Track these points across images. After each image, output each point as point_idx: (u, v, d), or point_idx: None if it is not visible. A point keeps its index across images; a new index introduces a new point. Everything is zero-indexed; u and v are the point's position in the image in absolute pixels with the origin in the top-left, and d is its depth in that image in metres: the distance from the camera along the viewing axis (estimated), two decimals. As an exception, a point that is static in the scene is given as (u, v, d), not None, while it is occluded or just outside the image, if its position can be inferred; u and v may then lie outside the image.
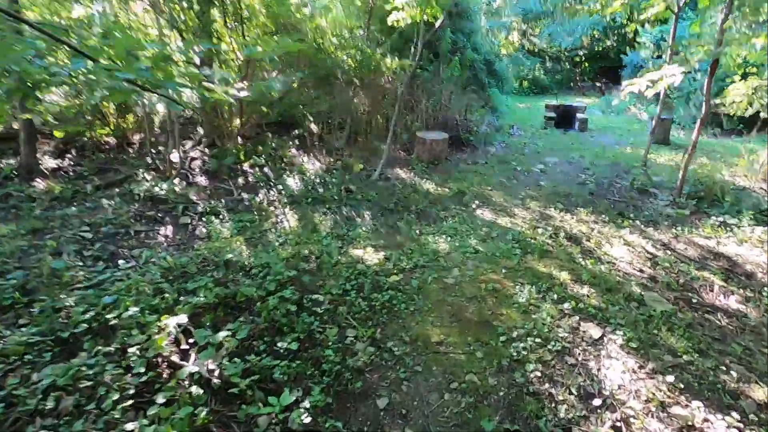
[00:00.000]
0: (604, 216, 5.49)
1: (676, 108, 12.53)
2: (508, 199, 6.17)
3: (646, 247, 4.71)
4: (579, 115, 11.63)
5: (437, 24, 6.84)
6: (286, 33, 7.13)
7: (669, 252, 4.62)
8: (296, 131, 7.97)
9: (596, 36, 20.18)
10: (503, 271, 4.12)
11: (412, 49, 7.65)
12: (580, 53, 21.20)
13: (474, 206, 5.81)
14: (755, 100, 7.08)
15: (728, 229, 5.15)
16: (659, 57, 13.31)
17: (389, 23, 6.63)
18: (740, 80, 7.31)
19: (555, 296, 3.68)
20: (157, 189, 5.52)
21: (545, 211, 5.71)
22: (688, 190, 6.16)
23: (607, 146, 9.64)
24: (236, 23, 6.97)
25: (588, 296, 3.72)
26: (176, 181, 5.95)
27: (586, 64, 21.32)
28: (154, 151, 6.63)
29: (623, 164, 8.09)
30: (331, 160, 7.41)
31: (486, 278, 3.97)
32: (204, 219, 5.09)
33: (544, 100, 17.37)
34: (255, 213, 5.36)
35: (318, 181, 6.45)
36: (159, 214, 5.11)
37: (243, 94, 2.19)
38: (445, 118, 8.77)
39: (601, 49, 20.75)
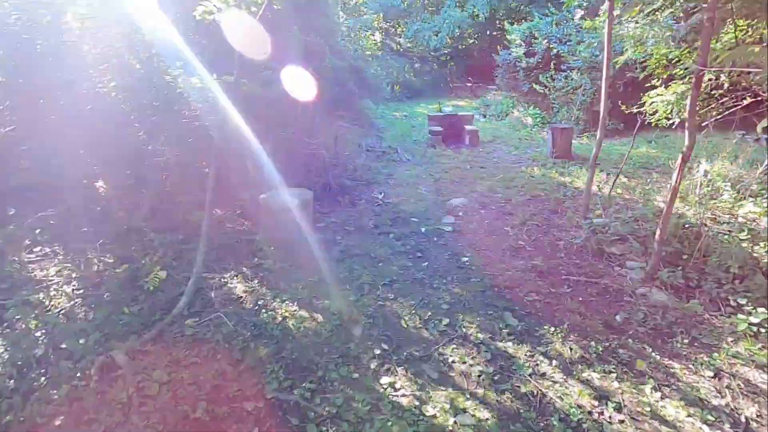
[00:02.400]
0: (593, 347, 3.23)
1: (557, 110, 11.72)
2: (424, 333, 3.58)
3: None
4: (468, 127, 9.86)
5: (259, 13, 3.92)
6: None
7: None
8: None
9: (460, 34, 19.37)
10: None
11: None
12: (446, 52, 20.27)
13: (375, 366, 3.05)
14: (683, 109, 5.73)
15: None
16: (533, 55, 12.40)
17: (196, 17, 3.56)
18: (660, 85, 5.94)
19: None
20: None
21: (494, 360, 3.26)
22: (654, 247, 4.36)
23: (511, 167, 7.89)
24: None
25: None
26: None
27: (452, 64, 20.51)
28: None
29: (543, 196, 6.27)
30: (108, 262, 3.98)
31: None
32: None
33: (420, 105, 15.68)
34: None
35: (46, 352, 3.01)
36: None
37: None
38: (307, 159, 5.89)
39: (464, 47, 20.08)
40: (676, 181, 3.80)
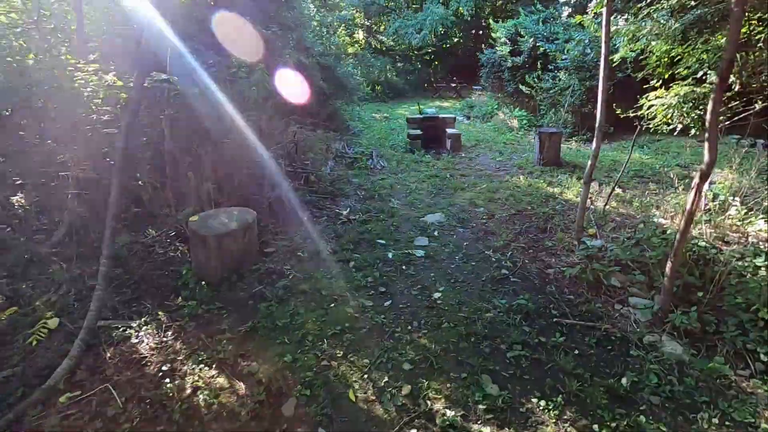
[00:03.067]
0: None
1: (545, 112, 11.07)
2: (377, 410, 2.79)
3: None
4: (449, 130, 9.12)
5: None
6: None
7: None
8: None
9: (443, 32, 18.67)
10: None
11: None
12: (430, 51, 19.55)
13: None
14: (685, 114, 5.06)
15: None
16: (518, 54, 11.73)
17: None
18: (659, 86, 5.26)
19: None
20: None
21: None
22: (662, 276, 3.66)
23: (494, 176, 7.17)
24: None
25: None
26: None
27: (436, 63, 19.81)
28: None
29: (530, 210, 5.55)
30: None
31: None
32: None
33: (402, 106, 14.92)
34: None
35: None
36: None
37: None
38: (256, 170, 5.05)
39: (448, 46, 19.39)
40: (692, 205, 3.08)
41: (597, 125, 4.32)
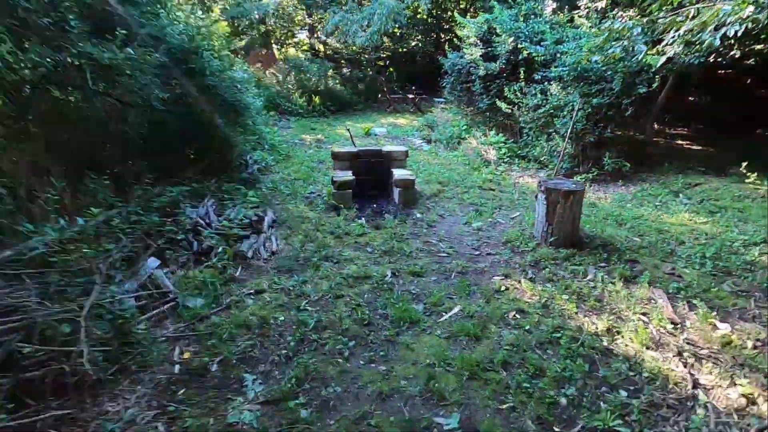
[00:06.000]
0: None
1: (532, 139, 8.05)
2: None
3: None
4: (398, 173, 5.85)
5: None
6: None
7: None
8: None
9: (399, 33, 15.57)
10: None
11: None
12: (384, 56, 16.41)
13: None
14: None
15: None
16: (493, 59, 8.69)
17: None
18: None
19: None
20: None
21: None
22: None
23: (472, 274, 3.93)
24: None
25: None
26: None
27: (392, 70, 16.68)
28: None
29: (552, 389, 2.32)
30: None
31: None
32: None
33: (345, 123, 11.59)
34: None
35: None
36: None
37: None
38: None
39: (406, 50, 16.32)
40: None
41: None
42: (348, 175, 5.64)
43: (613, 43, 4.44)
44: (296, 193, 5.95)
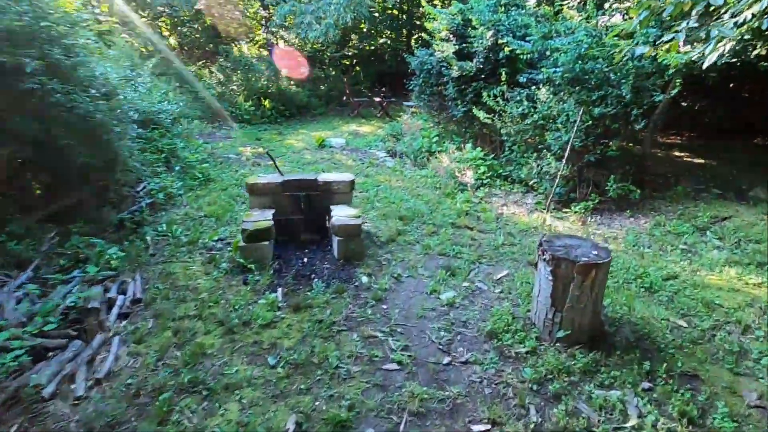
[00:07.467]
0: None
1: (515, 155, 6.50)
2: None
3: None
4: (339, 213, 4.17)
5: None
6: None
7: None
8: None
9: (364, 29, 13.90)
10: None
11: None
12: (349, 54, 14.72)
13: None
14: None
15: None
16: (469, 57, 7.13)
17: None
18: None
19: None
20: None
21: None
22: None
23: (434, 414, 2.31)
24: None
25: None
26: None
27: (358, 69, 15.00)
28: None
29: None
30: None
31: None
32: None
33: (301, 132, 9.84)
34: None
35: None
36: None
37: None
38: None
39: (373, 47, 14.68)
40: None
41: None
42: (265, 219, 3.93)
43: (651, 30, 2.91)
44: (196, 242, 4.20)
